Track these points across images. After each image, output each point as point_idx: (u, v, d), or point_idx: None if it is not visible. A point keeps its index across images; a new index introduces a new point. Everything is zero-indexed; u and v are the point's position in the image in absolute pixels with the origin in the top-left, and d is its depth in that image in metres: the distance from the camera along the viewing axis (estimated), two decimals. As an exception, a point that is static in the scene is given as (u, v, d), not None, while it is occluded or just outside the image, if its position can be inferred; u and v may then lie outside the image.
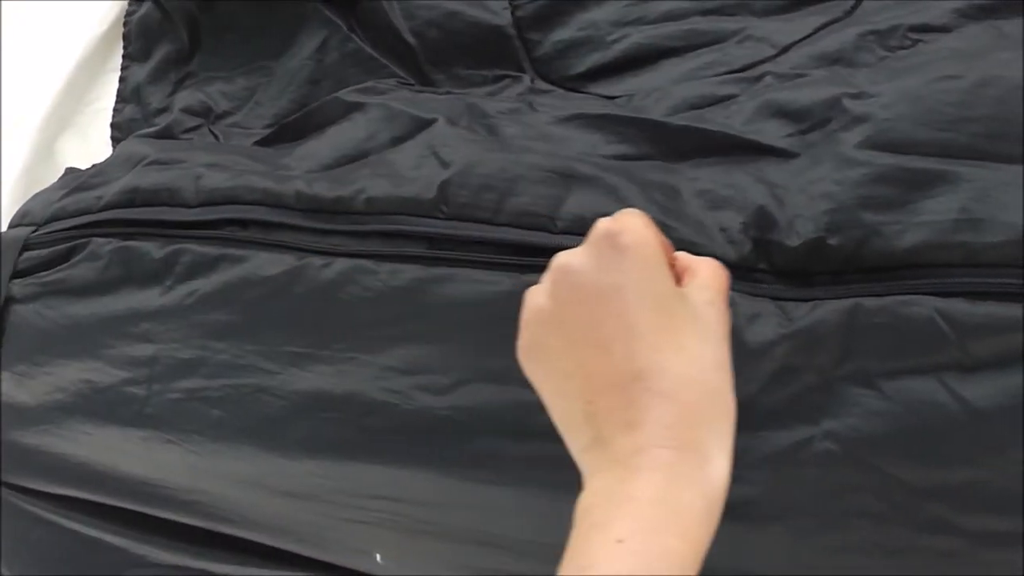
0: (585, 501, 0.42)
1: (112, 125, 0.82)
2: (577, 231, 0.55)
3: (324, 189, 0.61)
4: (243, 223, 0.63)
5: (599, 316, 0.42)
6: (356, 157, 0.64)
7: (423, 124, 0.63)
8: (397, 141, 0.63)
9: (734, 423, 0.43)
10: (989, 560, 0.51)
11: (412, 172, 0.59)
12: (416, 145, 0.61)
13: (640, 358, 0.41)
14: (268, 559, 0.69)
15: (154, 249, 0.64)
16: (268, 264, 0.60)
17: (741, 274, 0.53)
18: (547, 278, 0.45)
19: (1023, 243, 0.49)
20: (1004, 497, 0.50)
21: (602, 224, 0.44)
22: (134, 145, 0.70)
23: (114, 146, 0.82)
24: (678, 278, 0.46)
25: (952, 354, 0.49)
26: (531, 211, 0.56)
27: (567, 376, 0.43)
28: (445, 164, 0.59)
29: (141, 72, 0.81)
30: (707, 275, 0.45)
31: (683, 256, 0.47)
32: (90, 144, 0.83)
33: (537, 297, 0.45)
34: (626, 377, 0.41)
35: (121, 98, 0.82)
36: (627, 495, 0.39)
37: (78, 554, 0.73)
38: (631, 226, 0.43)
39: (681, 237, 0.53)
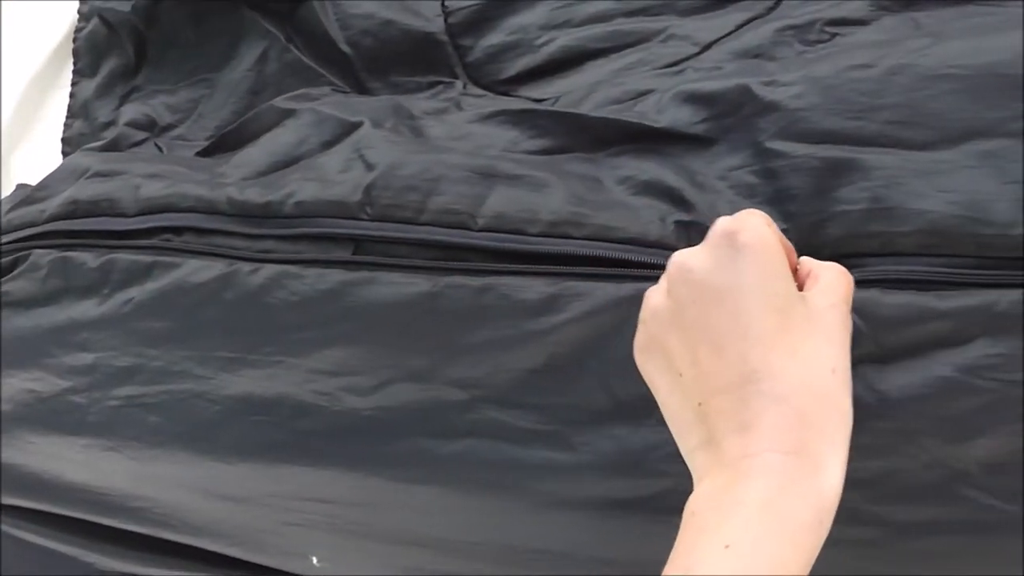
0: (693, 504, 0.41)
1: (62, 140, 0.82)
2: (497, 228, 0.55)
3: (255, 195, 0.61)
4: (178, 230, 0.63)
5: (715, 316, 0.41)
6: (288, 162, 0.63)
7: (350, 127, 0.62)
8: (327, 145, 0.63)
9: (850, 431, 0.41)
10: (909, 549, 0.50)
11: (339, 175, 0.59)
12: (344, 148, 0.61)
13: (754, 359, 0.40)
14: (212, 564, 0.69)
15: (91, 259, 0.64)
16: (199, 271, 0.60)
17: (662, 254, 0.51)
18: (664, 277, 0.44)
19: (933, 231, 0.48)
20: (920, 486, 0.49)
21: (721, 223, 0.43)
22: (78, 158, 0.71)
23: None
24: (801, 283, 0.45)
25: (866, 346, 0.49)
26: (452, 210, 0.56)
27: (681, 375, 0.43)
28: (370, 166, 0.59)
29: (89, 87, 0.81)
30: (830, 279, 0.44)
31: (807, 261, 0.46)
32: (42, 160, 0.83)
33: (654, 296, 0.45)
34: (740, 379, 0.40)
35: (71, 113, 0.82)
36: (736, 499, 0.38)
37: (28, 564, 0.73)
38: (750, 225, 0.42)
39: (601, 223, 0.53)
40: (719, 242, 0.42)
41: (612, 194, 0.55)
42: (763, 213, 0.44)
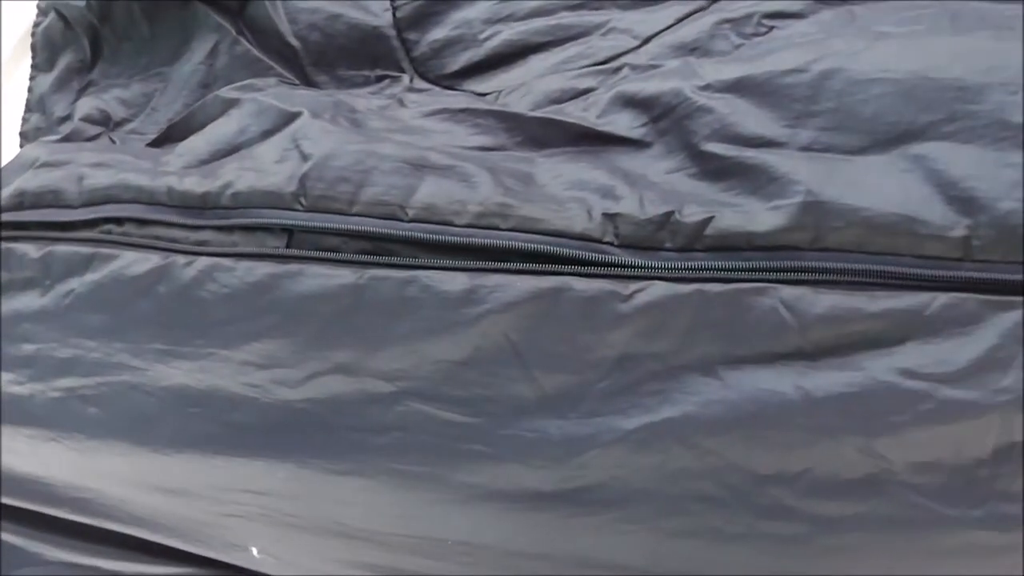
0: None
1: (20, 134, 0.81)
2: (426, 219, 0.54)
3: (194, 184, 0.60)
4: (119, 221, 0.62)
5: None
6: (229, 151, 0.62)
7: (289, 117, 0.61)
8: (266, 135, 0.62)
9: None
10: (829, 544, 0.49)
11: (275, 165, 0.58)
12: (282, 138, 0.60)
13: None
14: (156, 556, 0.68)
15: (32, 251, 0.63)
16: (135, 263, 0.59)
17: (586, 246, 0.51)
18: None
19: (869, 227, 0.47)
20: (841, 482, 0.48)
21: None
22: (29, 149, 0.70)
23: None
24: None
25: (794, 343, 0.48)
26: (383, 201, 0.55)
27: None
28: (305, 157, 0.58)
29: (46, 82, 0.80)
30: None
31: None
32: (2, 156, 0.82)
33: None
34: None
35: (28, 108, 0.81)
36: None
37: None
38: None
39: (526, 215, 0.53)
40: None
41: (541, 188, 0.54)
42: None
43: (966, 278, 0.47)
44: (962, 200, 0.47)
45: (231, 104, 0.65)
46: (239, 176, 0.59)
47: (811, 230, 0.49)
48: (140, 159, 0.65)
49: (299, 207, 0.56)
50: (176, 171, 0.62)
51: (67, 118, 0.78)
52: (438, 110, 0.61)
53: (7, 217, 0.66)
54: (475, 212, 0.53)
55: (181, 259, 0.58)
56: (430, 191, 0.54)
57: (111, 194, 0.62)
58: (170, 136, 0.70)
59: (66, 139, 0.75)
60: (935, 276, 0.47)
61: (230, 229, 0.58)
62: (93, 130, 0.76)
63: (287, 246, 0.56)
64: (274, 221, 0.57)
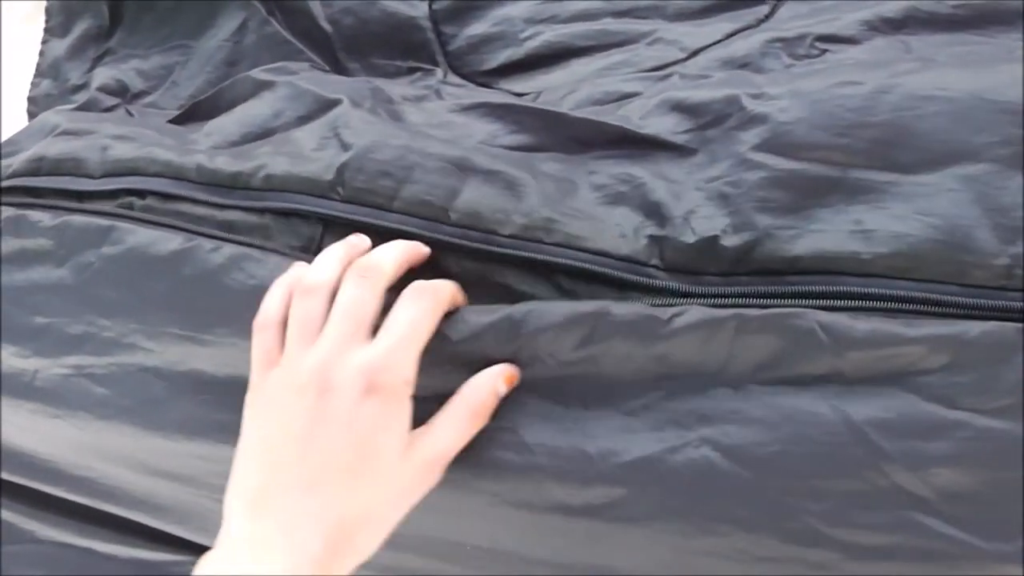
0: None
1: (28, 99, 0.78)
2: (470, 225, 0.52)
3: (224, 163, 0.58)
4: (141, 194, 0.60)
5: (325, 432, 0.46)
6: (262, 135, 0.60)
7: (328, 104, 0.59)
8: (302, 120, 0.60)
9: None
10: (857, 573, 0.49)
11: (313, 152, 0.56)
12: (320, 125, 0.58)
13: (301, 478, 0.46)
14: (154, 540, 0.66)
15: (47, 219, 0.60)
16: (158, 242, 0.57)
17: (632, 268, 0.50)
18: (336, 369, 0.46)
19: (912, 254, 0.47)
20: (878, 511, 0.47)
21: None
22: (48, 116, 0.67)
23: (30, 120, 0.78)
24: None
25: (833, 367, 0.47)
26: (425, 201, 0.53)
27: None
28: (346, 146, 0.56)
29: (60, 47, 0.77)
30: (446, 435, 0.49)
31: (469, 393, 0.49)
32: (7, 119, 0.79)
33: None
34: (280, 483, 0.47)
35: (39, 72, 0.78)
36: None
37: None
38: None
39: (572, 232, 0.51)
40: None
41: (586, 201, 0.53)
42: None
43: (1007, 307, 0.46)
44: (1009, 228, 0.46)
45: (264, 86, 0.63)
46: (273, 159, 0.57)
47: (854, 256, 0.48)
48: (165, 135, 0.62)
49: (336, 197, 0.54)
50: (205, 150, 0.60)
51: (83, 87, 0.75)
52: (478, 104, 0.59)
53: (23, 182, 0.63)
54: (520, 224, 0.52)
55: (208, 243, 0.56)
56: (474, 196, 0.53)
57: (137, 166, 0.60)
58: (194, 114, 0.68)
59: (82, 109, 0.72)
60: (976, 304, 0.46)
61: (261, 212, 0.56)
62: (109, 100, 0.73)
63: (321, 236, 0.55)
64: (310, 208, 0.55)
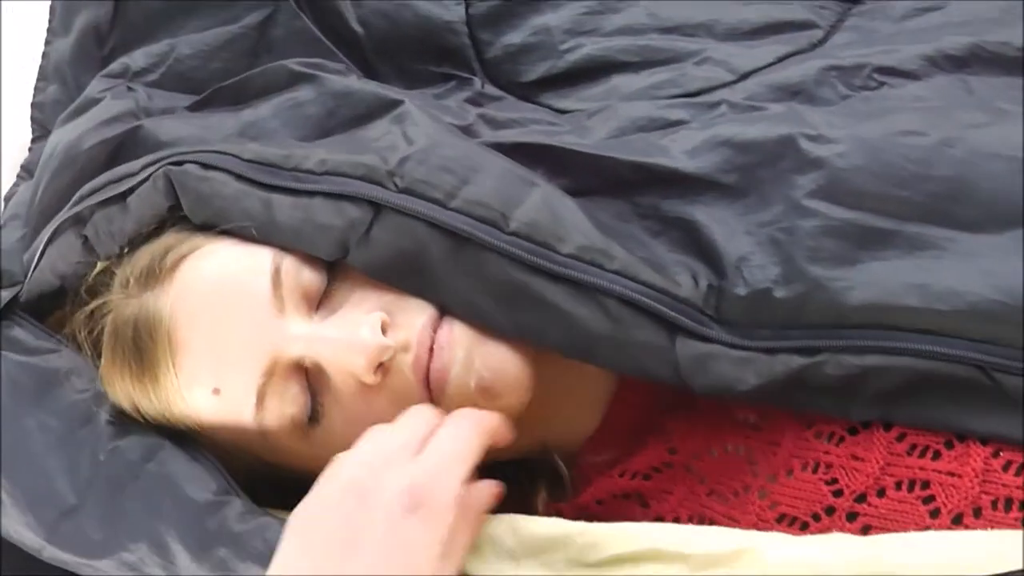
0: None
1: (33, 105, 0.74)
2: (528, 236, 0.50)
3: (276, 147, 0.56)
4: (180, 163, 0.57)
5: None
6: (319, 135, 0.60)
7: (389, 104, 0.58)
8: (362, 120, 0.59)
9: None
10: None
11: (374, 143, 0.55)
12: (383, 123, 0.57)
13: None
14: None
15: None
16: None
17: (688, 312, 0.49)
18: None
19: (973, 313, 0.45)
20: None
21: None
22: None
23: (33, 127, 0.74)
24: None
25: None
26: (485, 203, 0.50)
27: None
28: (410, 140, 0.54)
29: (63, 47, 0.71)
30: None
31: None
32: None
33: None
34: None
35: (42, 76, 0.73)
36: None
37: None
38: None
39: (629, 263, 0.49)
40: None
41: (641, 239, 0.52)
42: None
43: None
44: None
45: (301, 78, 0.61)
46: (332, 147, 0.55)
47: (910, 311, 0.46)
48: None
49: (392, 187, 0.51)
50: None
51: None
52: (517, 144, 0.56)
53: None
54: (580, 244, 0.49)
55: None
56: (535, 207, 0.50)
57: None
58: (215, 100, 0.65)
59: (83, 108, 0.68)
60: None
61: (310, 194, 0.53)
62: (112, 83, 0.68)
63: (371, 222, 0.52)
64: (363, 193, 0.52)
